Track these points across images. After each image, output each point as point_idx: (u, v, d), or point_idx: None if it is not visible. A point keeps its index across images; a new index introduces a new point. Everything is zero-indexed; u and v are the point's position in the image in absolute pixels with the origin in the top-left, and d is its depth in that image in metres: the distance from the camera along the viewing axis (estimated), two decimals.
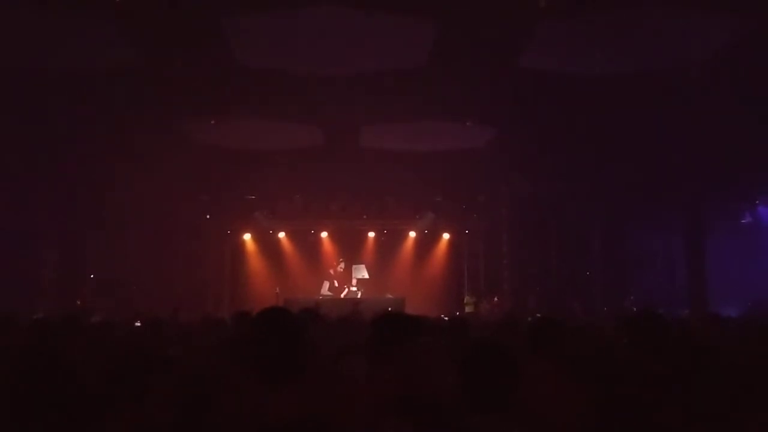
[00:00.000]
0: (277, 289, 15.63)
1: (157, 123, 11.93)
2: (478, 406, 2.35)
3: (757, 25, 8.76)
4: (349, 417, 2.36)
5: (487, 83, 10.49)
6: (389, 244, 18.09)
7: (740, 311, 9.78)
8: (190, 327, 6.14)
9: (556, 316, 4.57)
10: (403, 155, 14.13)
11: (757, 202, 14.60)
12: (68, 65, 9.93)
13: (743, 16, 8.70)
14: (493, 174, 15.66)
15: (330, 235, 17.92)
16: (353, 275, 16.84)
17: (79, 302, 13.99)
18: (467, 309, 16.32)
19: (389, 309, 11.46)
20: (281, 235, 17.95)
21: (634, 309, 12.39)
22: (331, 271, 16.70)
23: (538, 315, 8.91)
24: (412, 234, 18.11)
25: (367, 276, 17.02)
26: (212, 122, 12.64)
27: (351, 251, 17.54)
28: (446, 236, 18.26)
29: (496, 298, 16.38)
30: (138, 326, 6.67)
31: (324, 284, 16.51)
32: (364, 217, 17.60)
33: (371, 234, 18.02)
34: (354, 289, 16.50)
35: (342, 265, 16.72)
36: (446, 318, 9.27)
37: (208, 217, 17.17)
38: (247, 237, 17.88)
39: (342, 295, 16.07)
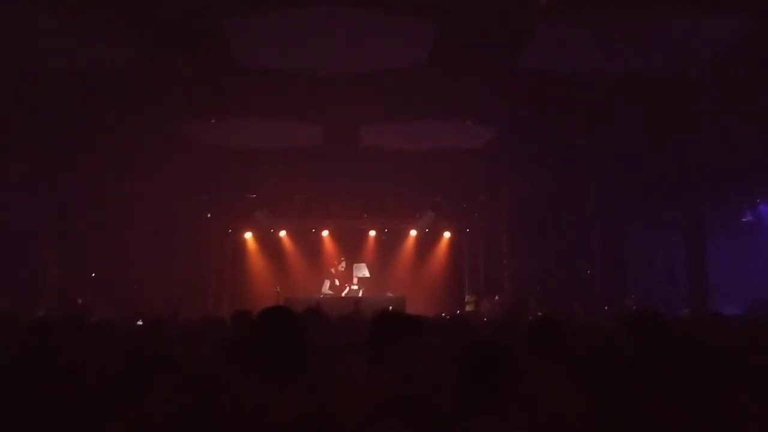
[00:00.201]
0: (278, 287, 15.60)
1: (157, 123, 11.94)
2: (478, 405, 2.35)
3: (757, 25, 8.76)
4: (349, 417, 2.36)
5: (487, 83, 10.49)
6: (390, 242, 18.07)
7: (741, 310, 9.77)
8: (190, 327, 6.14)
9: (556, 316, 4.58)
10: (404, 155, 14.12)
11: (758, 200, 14.56)
12: (68, 65, 9.94)
13: (743, 16, 8.70)
14: (493, 174, 15.66)
15: (331, 233, 17.90)
16: (354, 274, 16.85)
17: (79, 302, 13.96)
18: (468, 308, 16.37)
19: (390, 308, 11.49)
20: (282, 234, 17.91)
21: (635, 308, 12.37)
22: (332, 270, 16.71)
23: (539, 314, 8.91)
24: (413, 232, 18.09)
25: (367, 275, 17.02)
26: (212, 122, 12.65)
27: (352, 250, 17.53)
28: (447, 235, 18.25)
29: (497, 297, 16.39)
30: (138, 326, 6.69)
31: (325, 283, 16.52)
32: (365, 215, 17.57)
33: (372, 233, 17.99)
34: (355, 287, 16.51)
35: (343, 263, 16.74)
36: (447, 317, 9.27)
37: (208, 216, 17.15)
38: (247, 236, 17.85)
39: (343, 294, 16.08)
